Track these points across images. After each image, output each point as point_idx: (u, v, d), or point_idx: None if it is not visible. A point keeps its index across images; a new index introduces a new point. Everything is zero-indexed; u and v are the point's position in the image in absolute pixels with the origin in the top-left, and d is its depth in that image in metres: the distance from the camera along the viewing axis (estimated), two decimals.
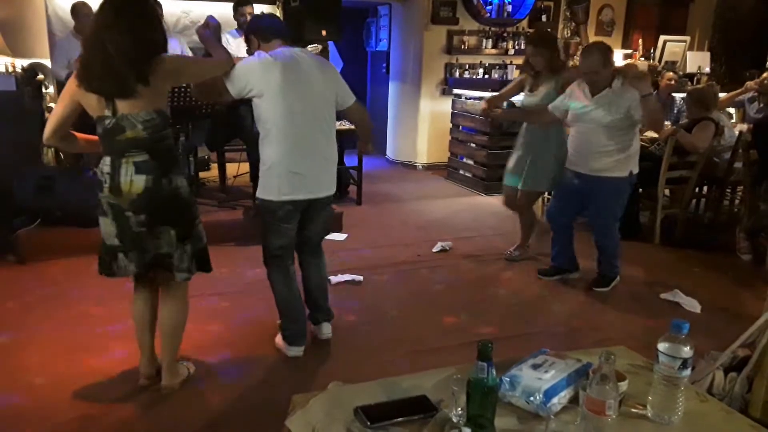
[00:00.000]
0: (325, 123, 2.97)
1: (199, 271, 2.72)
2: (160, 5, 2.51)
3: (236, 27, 5.64)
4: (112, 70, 2.32)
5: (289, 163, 2.86)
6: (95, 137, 2.55)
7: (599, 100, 3.75)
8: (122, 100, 2.38)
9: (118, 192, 2.45)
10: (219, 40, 2.90)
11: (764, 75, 6.08)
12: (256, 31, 2.96)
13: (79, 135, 2.64)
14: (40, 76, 5.68)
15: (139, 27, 2.37)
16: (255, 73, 2.78)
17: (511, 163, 4.44)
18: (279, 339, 3.23)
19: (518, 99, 4.60)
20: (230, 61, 2.78)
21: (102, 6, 2.38)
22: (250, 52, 3.05)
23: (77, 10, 5.44)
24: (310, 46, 5.69)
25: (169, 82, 2.58)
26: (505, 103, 4.77)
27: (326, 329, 3.33)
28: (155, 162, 2.47)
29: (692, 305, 3.89)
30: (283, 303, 3.15)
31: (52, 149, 5.53)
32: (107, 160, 2.47)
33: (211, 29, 2.84)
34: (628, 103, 3.68)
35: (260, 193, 2.96)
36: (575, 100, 3.87)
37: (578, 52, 8.52)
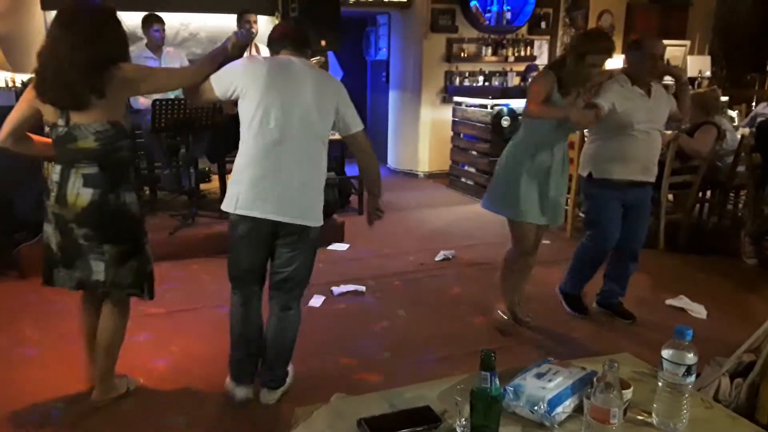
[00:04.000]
0: (309, 140, 2.59)
1: (142, 293, 2.66)
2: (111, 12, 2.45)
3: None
4: (65, 83, 2.32)
5: (251, 173, 2.54)
6: (49, 140, 2.53)
7: (658, 98, 3.46)
8: (77, 111, 2.37)
9: (64, 203, 2.43)
10: (241, 52, 2.83)
11: None
12: (269, 45, 2.77)
13: (35, 137, 2.60)
14: None
15: (91, 40, 2.34)
16: (238, 72, 2.57)
17: (534, 195, 3.31)
18: (228, 379, 2.85)
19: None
20: (201, 71, 2.63)
21: (55, 19, 2.38)
22: None
23: None
24: (312, 58, 5.71)
25: (125, 92, 2.54)
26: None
27: (266, 397, 2.81)
28: (104, 175, 2.44)
29: (698, 311, 3.87)
30: (233, 332, 2.76)
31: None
32: (57, 168, 2.46)
33: (230, 42, 2.71)
34: (670, 98, 3.54)
35: (223, 204, 2.63)
36: (631, 99, 3.38)
37: None
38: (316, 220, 2.66)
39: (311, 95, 2.56)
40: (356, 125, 2.71)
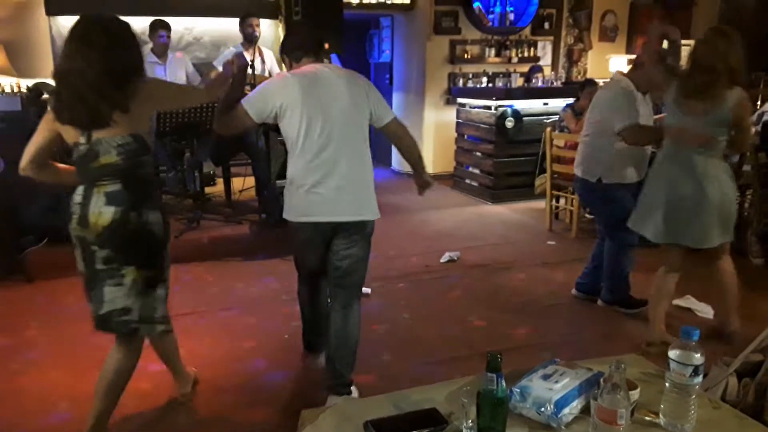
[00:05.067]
0: (353, 140, 2.70)
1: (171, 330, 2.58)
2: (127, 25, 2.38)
3: (241, 41, 5.69)
4: (82, 101, 2.22)
5: (306, 182, 2.65)
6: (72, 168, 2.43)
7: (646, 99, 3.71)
8: (100, 128, 2.26)
9: (85, 224, 2.30)
10: (244, 78, 2.79)
11: None
12: (287, 52, 2.83)
13: (60, 165, 2.49)
14: (45, 96, 5.72)
15: (107, 55, 2.23)
16: (274, 93, 2.65)
17: None
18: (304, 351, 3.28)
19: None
20: (213, 92, 2.73)
21: (68, 34, 2.27)
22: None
23: None
24: None
25: (148, 107, 2.43)
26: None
27: (331, 403, 2.67)
28: (127, 192, 2.31)
29: (705, 311, 3.85)
30: (303, 314, 3.15)
31: None
32: (80, 189, 2.35)
33: (235, 66, 2.71)
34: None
35: (287, 215, 2.76)
36: (641, 104, 3.58)
37: (582, 59, 8.60)
38: (372, 213, 2.78)
39: (347, 98, 2.68)
40: (389, 115, 2.82)
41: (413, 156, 2.96)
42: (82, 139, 2.28)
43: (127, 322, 2.36)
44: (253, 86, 4.87)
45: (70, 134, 2.30)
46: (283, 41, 2.91)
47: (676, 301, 3.98)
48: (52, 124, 2.33)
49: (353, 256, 2.78)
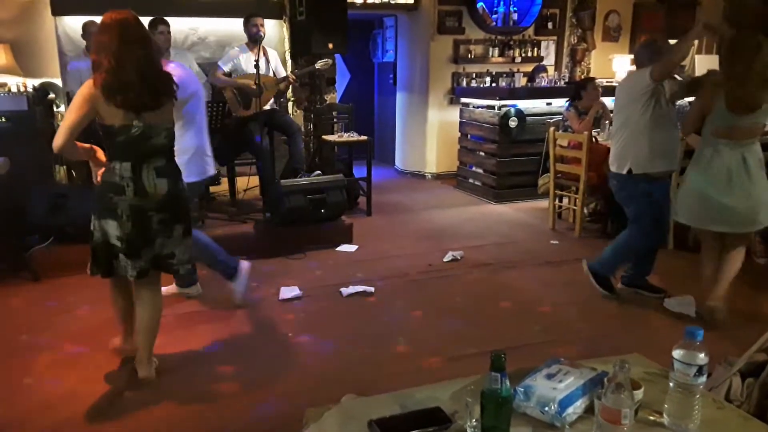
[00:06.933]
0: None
1: (193, 272, 3.25)
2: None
3: (245, 41, 5.69)
4: (149, 86, 2.65)
5: (206, 148, 3.82)
6: (88, 146, 2.77)
7: None
8: (150, 111, 2.68)
9: (144, 194, 2.72)
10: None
11: None
12: (162, 53, 3.77)
13: (78, 143, 2.71)
14: (51, 96, 5.74)
15: (155, 50, 2.77)
16: (189, 81, 3.58)
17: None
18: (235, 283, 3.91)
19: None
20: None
21: (123, 30, 2.60)
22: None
23: (87, 29, 5.51)
24: (320, 61, 5.73)
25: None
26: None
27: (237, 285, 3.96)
28: (170, 166, 2.82)
29: (686, 302, 3.84)
30: (213, 247, 3.87)
31: (65, 167, 5.60)
32: (127, 165, 2.69)
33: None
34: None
35: (193, 177, 3.54)
36: None
37: (585, 58, 8.58)
38: None
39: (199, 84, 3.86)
40: None
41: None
42: (137, 123, 2.66)
43: (172, 264, 2.91)
44: (258, 85, 4.89)
45: (118, 117, 2.63)
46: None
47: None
48: (96, 105, 2.59)
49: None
